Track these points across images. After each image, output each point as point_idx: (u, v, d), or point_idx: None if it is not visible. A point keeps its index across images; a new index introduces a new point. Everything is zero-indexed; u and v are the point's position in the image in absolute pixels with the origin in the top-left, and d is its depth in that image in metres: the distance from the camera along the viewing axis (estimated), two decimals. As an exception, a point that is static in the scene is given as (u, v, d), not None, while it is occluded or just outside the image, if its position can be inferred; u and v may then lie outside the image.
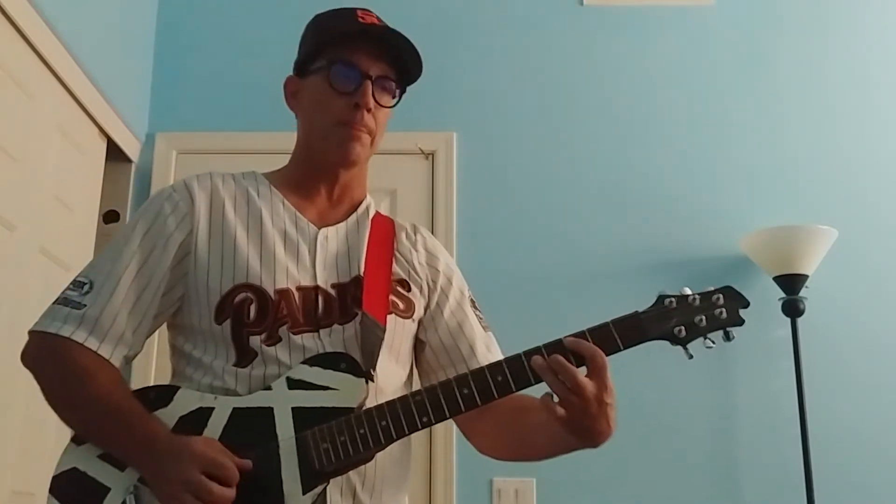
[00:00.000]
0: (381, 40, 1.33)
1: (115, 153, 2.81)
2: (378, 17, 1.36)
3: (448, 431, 2.64)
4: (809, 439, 2.57)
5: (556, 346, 1.16)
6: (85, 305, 1.24)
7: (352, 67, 1.31)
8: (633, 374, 2.71)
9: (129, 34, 2.95)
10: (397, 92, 1.37)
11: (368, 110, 1.31)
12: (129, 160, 2.90)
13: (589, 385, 1.12)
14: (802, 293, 2.67)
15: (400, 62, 1.35)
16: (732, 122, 3.01)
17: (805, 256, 2.66)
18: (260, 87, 3.08)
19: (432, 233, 2.86)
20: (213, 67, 3.08)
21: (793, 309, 2.66)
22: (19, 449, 2.19)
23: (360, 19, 1.33)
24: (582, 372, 1.14)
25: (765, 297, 2.72)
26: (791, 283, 2.67)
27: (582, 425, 1.15)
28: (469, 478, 2.65)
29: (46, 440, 2.21)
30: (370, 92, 1.31)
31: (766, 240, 2.71)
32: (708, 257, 2.80)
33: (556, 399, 1.14)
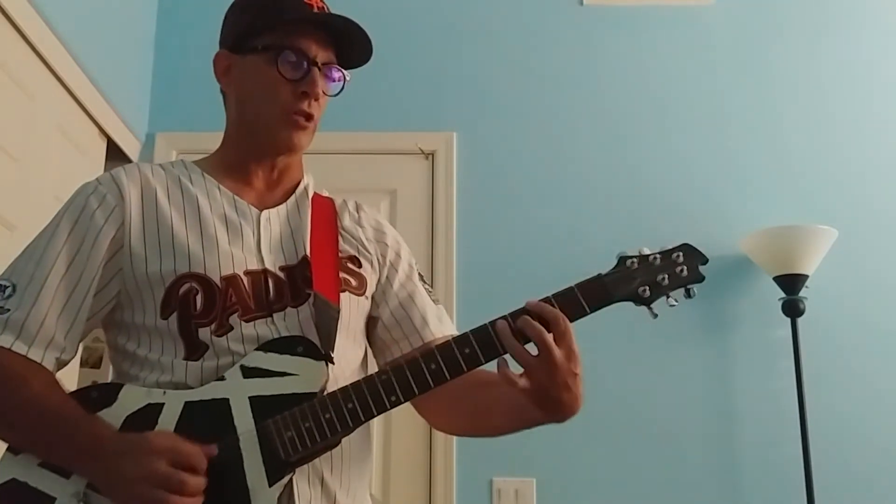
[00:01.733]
0: (330, 27, 1.28)
1: (115, 153, 2.81)
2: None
3: (448, 431, 2.64)
4: (809, 439, 2.57)
5: (520, 312, 1.13)
6: (8, 310, 1.15)
7: (299, 54, 1.25)
8: (632, 373, 2.72)
9: (130, 34, 2.95)
10: (342, 79, 1.32)
11: (316, 99, 1.27)
12: (129, 160, 2.89)
13: (556, 350, 1.08)
14: (802, 293, 2.67)
15: (347, 47, 1.31)
16: (732, 122, 3.01)
17: (805, 256, 2.66)
18: (260, 87, 3.09)
19: (432, 232, 2.90)
20: (213, 67, 3.07)
21: (793, 309, 2.66)
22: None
23: (308, 4, 1.27)
24: None
25: (765, 297, 2.73)
26: (791, 283, 2.67)
27: (549, 396, 1.11)
28: (469, 478, 2.65)
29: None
30: (318, 80, 1.26)
31: (766, 240, 2.71)
32: (708, 257, 2.80)
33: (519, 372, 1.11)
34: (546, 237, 2.87)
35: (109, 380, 1.24)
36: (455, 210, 2.90)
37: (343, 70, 1.32)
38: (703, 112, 3.02)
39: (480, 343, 1.13)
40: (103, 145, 2.75)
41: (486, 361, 1.14)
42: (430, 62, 3.06)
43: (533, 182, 2.94)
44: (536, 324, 1.10)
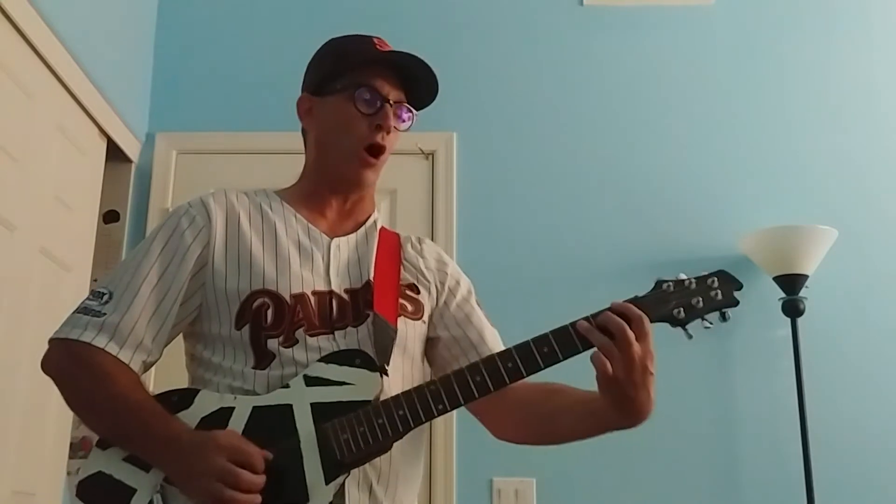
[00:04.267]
0: (401, 67, 1.41)
1: (115, 153, 2.81)
2: (391, 47, 1.44)
3: (448, 431, 2.64)
4: (809, 439, 2.57)
5: (602, 311, 1.21)
6: (105, 314, 1.28)
7: (374, 91, 1.38)
8: (633, 374, 2.72)
9: (129, 34, 2.95)
10: (412, 116, 1.45)
11: (388, 132, 1.39)
12: (129, 160, 2.90)
13: (636, 344, 1.17)
14: (802, 293, 2.67)
15: (415, 88, 1.43)
16: (732, 122, 3.01)
17: (805, 256, 2.66)
18: (260, 88, 3.09)
19: (432, 232, 2.90)
20: (213, 67, 3.08)
21: (793, 309, 2.66)
22: (19, 449, 2.19)
23: (378, 47, 1.42)
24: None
25: (765, 297, 2.73)
26: (791, 283, 2.67)
27: (626, 395, 1.19)
28: (469, 478, 2.65)
29: (46, 440, 2.21)
30: (391, 115, 1.39)
31: (766, 240, 2.71)
32: (708, 257, 2.79)
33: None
34: (546, 237, 2.87)
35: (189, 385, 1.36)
36: (455, 210, 2.90)
37: (412, 109, 1.44)
38: (704, 112, 3.02)
39: (523, 357, 1.23)
40: (103, 145, 2.75)
41: (528, 374, 1.24)
42: (430, 62, 3.05)
43: (533, 182, 2.94)
44: (618, 319, 1.18)
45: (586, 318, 1.22)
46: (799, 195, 2.91)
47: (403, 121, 1.44)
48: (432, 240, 2.85)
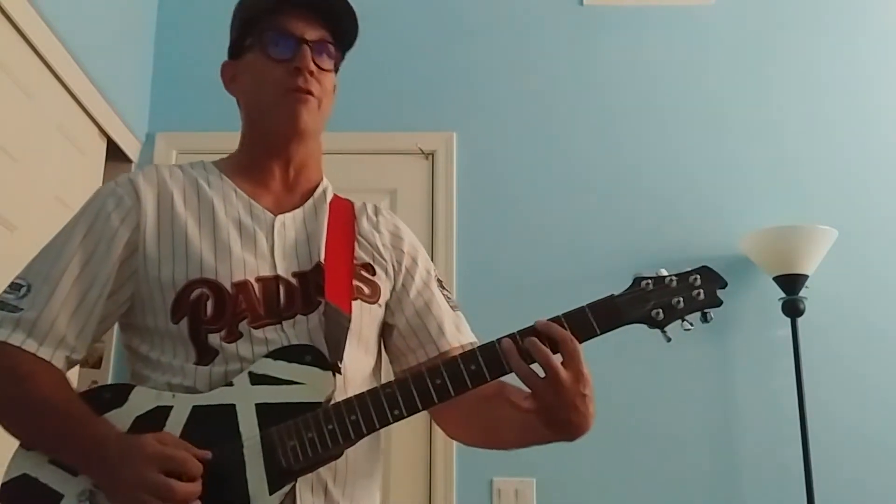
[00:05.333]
0: (310, 5, 1.29)
1: (115, 153, 2.81)
2: None
3: (448, 431, 2.64)
4: (809, 439, 2.57)
5: (528, 331, 1.12)
6: (21, 309, 1.17)
7: (284, 33, 1.27)
8: (632, 373, 2.72)
9: (129, 34, 2.95)
10: (337, 55, 1.32)
11: (311, 73, 1.26)
12: (129, 160, 2.90)
13: (563, 371, 1.08)
14: (802, 293, 2.67)
15: (335, 25, 1.31)
16: (732, 122, 3.01)
17: (805, 256, 2.66)
18: (260, 87, 3.09)
19: (432, 232, 2.90)
20: (213, 67, 3.05)
21: (793, 309, 2.66)
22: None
23: None
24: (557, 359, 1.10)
25: (765, 297, 2.73)
26: (791, 283, 2.67)
27: (557, 418, 1.10)
28: (469, 478, 2.65)
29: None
30: (309, 55, 1.26)
31: (766, 240, 2.71)
32: (708, 257, 2.77)
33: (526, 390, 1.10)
34: (546, 237, 2.87)
35: (112, 380, 1.25)
36: (455, 210, 2.90)
37: (335, 44, 1.31)
38: (704, 112, 3.02)
39: (487, 361, 1.13)
40: (103, 145, 2.75)
41: (493, 379, 1.14)
42: (431, 62, 3.06)
43: (533, 182, 2.94)
44: (543, 346, 1.09)
45: (511, 337, 1.12)
46: (799, 195, 2.91)
47: (330, 59, 1.30)
48: (432, 240, 2.88)
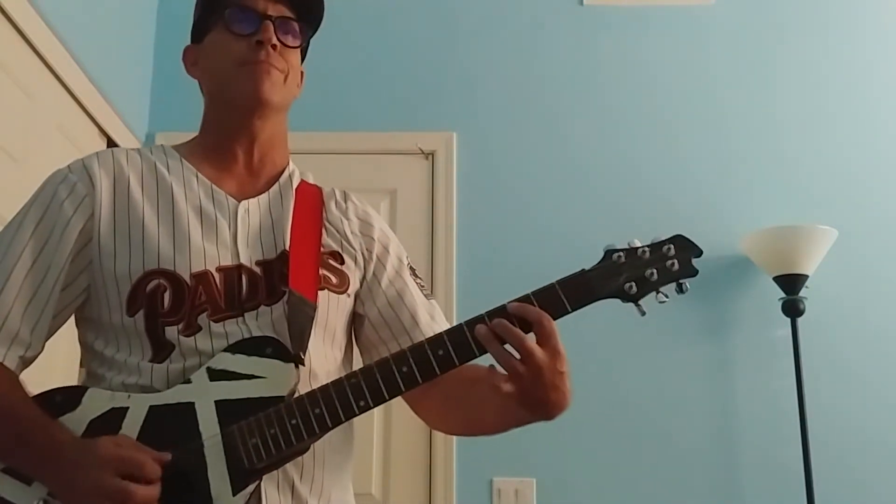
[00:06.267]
0: None
1: (115, 153, 2.80)
2: None
3: (448, 431, 2.64)
4: (809, 439, 2.57)
5: (499, 312, 1.07)
6: None
7: (248, 10, 1.22)
8: (632, 373, 2.72)
9: (129, 34, 2.95)
10: (301, 33, 1.27)
11: (274, 47, 1.21)
12: (129, 160, 2.89)
13: (539, 351, 1.03)
14: (802, 293, 2.67)
15: (299, 4, 1.26)
16: (732, 122, 3.01)
17: (805, 256, 2.66)
18: (260, 87, 3.09)
19: (432, 233, 2.90)
20: (213, 67, 3.07)
21: (793, 309, 2.66)
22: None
23: None
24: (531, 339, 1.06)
25: (765, 297, 2.73)
26: (791, 283, 2.67)
27: (534, 397, 1.06)
28: (469, 478, 2.65)
29: None
30: (272, 29, 1.21)
31: (766, 240, 2.71)
32: (708, 257, 2.78)
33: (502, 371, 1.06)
34: (546, 237, 2.87)
35: (81, 381, 1.21)
36: (455, 210, 2.90)
37: (299, 21, 1.26)
38: (704, 112, 3.02)
39: (455, 345, 1.08)
40: (103, 145, 2.74)
41: (461, 364, 1.10)
42: (430, 62, 3.06)
43: (533, 182, 2.94)
44: (515, 329, 1.05)
45: (482, 319, 1.07)
46: (799, 195, 2.91)
47: (294, 37, 1.25)
48: (432, 240, 2.88)
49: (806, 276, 2.67)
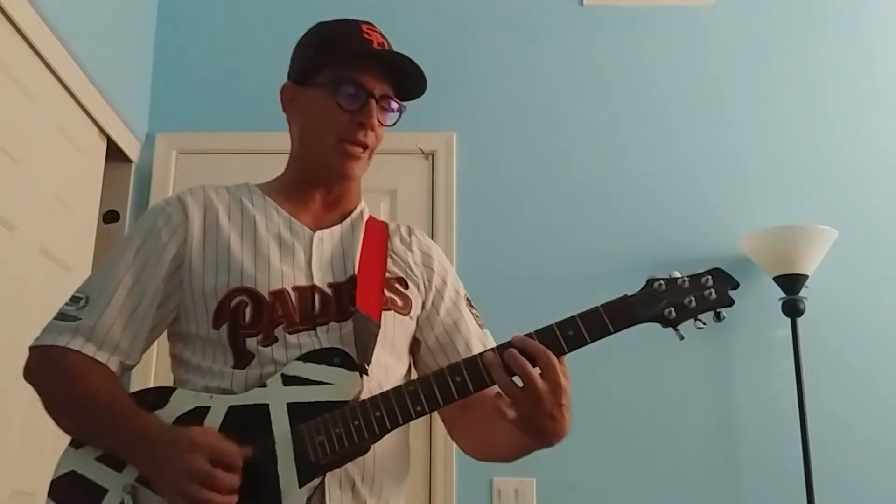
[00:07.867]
0: (387, 61, 1.36)
1: (115, 153, 2.81)
2: (381, 34, 1.39)
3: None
4: (809, 439, 2.57)
5: (506, 345, 1.18)
6: (80, 318, 1.27)
7: (358, 87, 1.33)
8: (632, 373, 2.73)
9: (129, 34, 2.95)
10: (398, 110, 1.40)
11: (372, 129, 1.35)
12: (129, 160, 2.90)
13: (541, 383, 1.13)
14: (802, 293, 2.67)
15: (402, 82, 1.38)
16: (732, 122, 3.01)
17: (805, 256, 2.66)
18: (260, 88, 3.07)
19: (432, 233, 2.90)
20: (213, 67, 3.08)
21: (793, 309, 2.66)
22: (19, 449, 2.19)
23: (366, 35, 1.36)
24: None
25: (765, 297, 2.73)
26: (791, 283, 2.67)
27: (534, 424, 1.16)
28: (469, 478, 2.65)
29: (46, 440, 2.20)
30: (374, 111, 1.34)
31: (766, 240, 2.71)
32: (707, 257, 2.78)
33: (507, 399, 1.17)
34: (546, 237, 2.87)
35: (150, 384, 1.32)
36: (455, 210, 2.90)
37: (399, 102, 1.39)
38: (703, 112, 3.02)
39: (470, 372, 1.19)
40: (103, 145, 2.75)
41: (476, 391, 1.20)
42: (430, 62, 3.03)
43: (533, 182, 2.94)
44: (521, 357, 1.15)
45: (492, 351, 1.18)
46: (799, 195, 2.91)
47: (391, 112, 1.39)
48: (432, 240, 2.87)
49: (806, 276, 2.67)
